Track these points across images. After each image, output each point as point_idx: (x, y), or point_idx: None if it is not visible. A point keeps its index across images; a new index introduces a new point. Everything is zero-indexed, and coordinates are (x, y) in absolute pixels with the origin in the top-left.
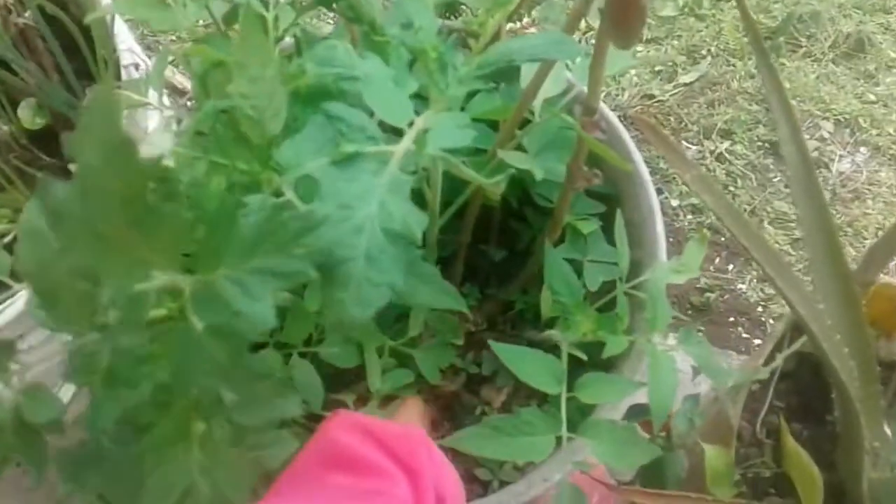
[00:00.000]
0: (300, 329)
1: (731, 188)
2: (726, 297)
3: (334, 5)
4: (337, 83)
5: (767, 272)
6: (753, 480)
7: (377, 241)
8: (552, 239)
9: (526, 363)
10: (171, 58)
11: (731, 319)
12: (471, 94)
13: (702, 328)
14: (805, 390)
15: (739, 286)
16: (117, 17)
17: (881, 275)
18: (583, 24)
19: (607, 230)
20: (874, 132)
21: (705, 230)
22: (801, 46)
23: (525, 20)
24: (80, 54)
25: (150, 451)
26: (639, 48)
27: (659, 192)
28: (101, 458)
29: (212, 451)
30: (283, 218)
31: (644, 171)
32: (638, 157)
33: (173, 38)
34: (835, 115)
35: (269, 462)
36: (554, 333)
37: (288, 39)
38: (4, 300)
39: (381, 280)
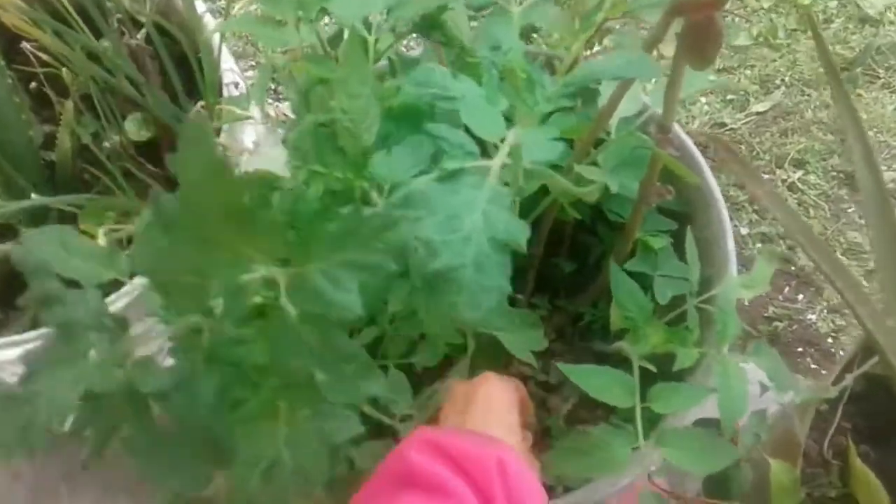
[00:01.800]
0: (397, 346)
1: (804, 218)
2: (795, 327)
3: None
4: (430, 103)
5: (837, 286)
6: (819, 501)
7: (483, 250)
8: (623, 254)
9: (595, 379)
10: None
11: (800, 350)
12: (546, 115)
13: None
14: (874, 412)
15: (809, 316)
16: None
17: None
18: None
19: (678, 247)
20: None
21: (776, 249)
22: (879, 78)
23: (595, 48)
24: (185, 74)
25: (240, 424)
26: (710, 77)
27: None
28: (192, 433)
29: (295, 428)
30: (364, 217)
31: (716, 189)
32: (709, 174)
33: (255, 62)
34: None
35: (335, 436)
36: (623, 345)
37: (382, 62)
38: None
39: (489, 284)
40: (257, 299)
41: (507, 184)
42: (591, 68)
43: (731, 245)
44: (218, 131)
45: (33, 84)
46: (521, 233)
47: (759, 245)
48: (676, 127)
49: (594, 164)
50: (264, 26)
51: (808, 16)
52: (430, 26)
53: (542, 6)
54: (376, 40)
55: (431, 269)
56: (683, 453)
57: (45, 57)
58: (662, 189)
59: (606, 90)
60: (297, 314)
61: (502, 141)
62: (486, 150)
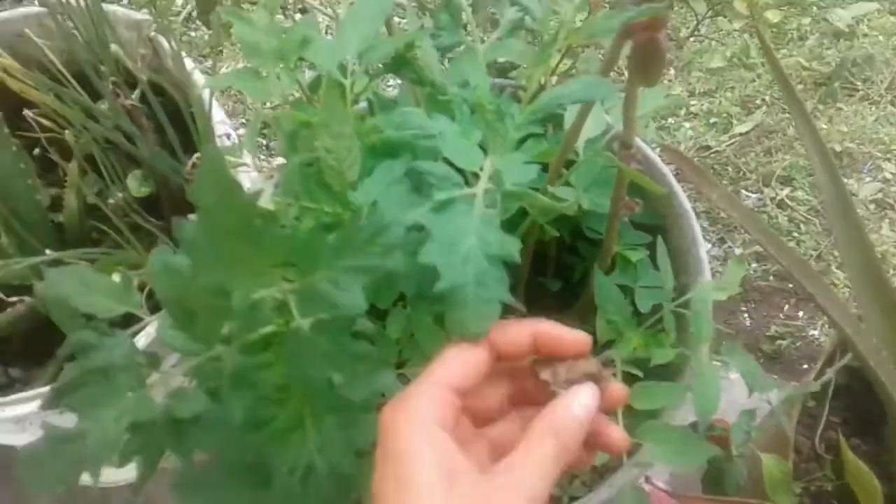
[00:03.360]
0: (386, 355)
1: (795, 234)
2: (798, 343)
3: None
4: (411, 140)
5: (806, 288)
6: (816, 494)
7: (482, 267)
8: (603, 268)
9: None
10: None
11: (805, 367)
12: (521, 141)
13: (775, 377)
14: (860, 405)
15: (811, 332)
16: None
17: None
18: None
19: (655, 259)
20: None
21: (745, 255)
22: (858, 90)
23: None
24: (178, 129)
25: (270, 440)
26: (692, 101)
27: (722, 241)
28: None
29: (324, 435)
30: (357, 227)
31: (685, 202)
32: (678, 187)
33: (244, 119)
34: None
35: (360, 441)
36: (608, 353)
37: (362, 104)
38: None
39: (490, 297)
40: (271, 327)
41: (490, 206)
42: (553, 95)
43: (702, 253)
44: None
45: (36, 150)
46: (513, 246)
47: (753, 265)
48: (641, 143)
49: (567, 184)
50: (249, 79)
51: (758, 32)
52: (399, 65)
53: (507, 42)
54: (352, 83)
55: (437, 290)
56: (662, 448)
57: (46, 123)
58: (631, 203)
59: (572, 115)
60: (308, 325)
61: (481, 169)
62: (467, 179)
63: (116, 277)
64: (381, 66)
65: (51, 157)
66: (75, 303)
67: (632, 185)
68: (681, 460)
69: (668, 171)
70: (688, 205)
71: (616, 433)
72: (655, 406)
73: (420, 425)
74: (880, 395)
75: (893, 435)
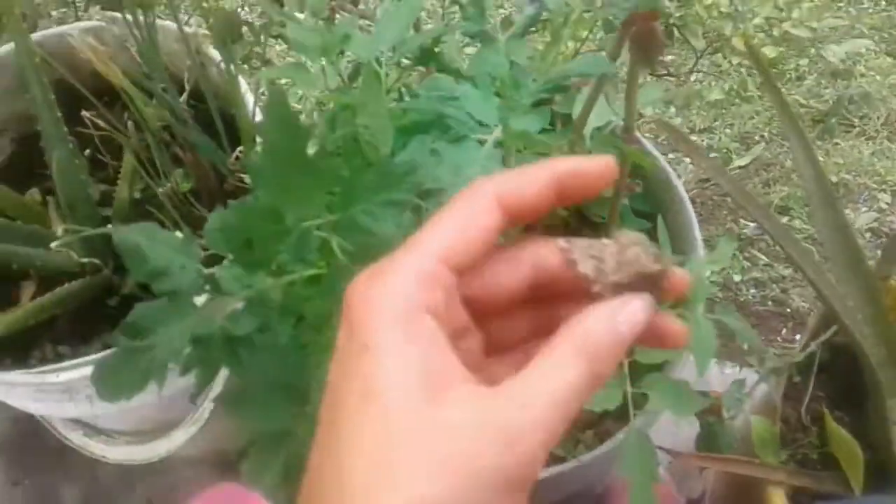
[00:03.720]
0: None
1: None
2: None
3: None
4: (435, 116)
5: (796, 261)
6: (803, 461)
7: None
8: None
9: None
10: None
11: None
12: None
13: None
14: (843, 380)
15: None
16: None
17: None
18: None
19: (654, 241)
20: None
21: (734, 233)
22: (855, 126)
23: None
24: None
25: (309, 359)
26: (692, 137)
27: (722, 268)
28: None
29: None
30: (393, 166)
31: (682, 191)
32: (676, 179)
33: None
34: (891, 187)
35: None
36: None
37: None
38: None
39: None
40: (315, 270)
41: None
42: (562, 69)
43: (697, 233)
44: None
45: (87, 151)
46: None
47: (752, 290)
48: (641, 139)
49: None
50: (297, 71)
51: (758, 62)
52: (427, 59)
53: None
54: (386, 74)
55: (438, 203)
56: (662, 396)
57: (101, 123)
58: (631, 184)
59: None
60: (346, 258)
61: (496, 125)
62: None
63: (179, 234)
64: (409, 59)
65: (101, 157)
66: (145, 252)
67: (633, 169)
68: (679, 409)
69: (667, 165)
70: (684, 193)
71: (676, 325)
72: (658, 360)
73: (399, 310)
74: (863, 366)
75: (873, 408)
